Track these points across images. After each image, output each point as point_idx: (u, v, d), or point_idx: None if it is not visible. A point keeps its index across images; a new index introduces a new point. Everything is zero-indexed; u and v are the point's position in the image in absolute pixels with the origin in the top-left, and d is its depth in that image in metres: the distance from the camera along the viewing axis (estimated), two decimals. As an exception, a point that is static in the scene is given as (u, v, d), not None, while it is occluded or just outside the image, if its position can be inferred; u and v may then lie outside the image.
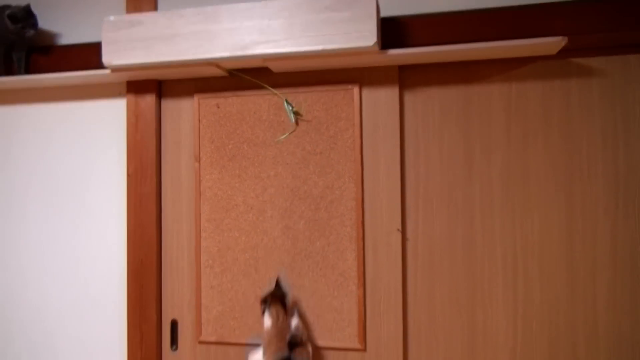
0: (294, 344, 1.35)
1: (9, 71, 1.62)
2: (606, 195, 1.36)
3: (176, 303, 1.58)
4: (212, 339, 1.54)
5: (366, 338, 1.45)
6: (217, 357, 1.54)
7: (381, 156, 1.45)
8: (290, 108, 1.47)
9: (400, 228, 1.43)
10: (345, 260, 1.46)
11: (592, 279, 1.36)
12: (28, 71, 1.64)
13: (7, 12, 1.52)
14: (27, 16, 1.55)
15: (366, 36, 1.27)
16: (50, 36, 1.67)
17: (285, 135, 1.47)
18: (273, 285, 1.43)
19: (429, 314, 1.44)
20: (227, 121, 1.54)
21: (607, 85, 1.36)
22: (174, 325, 1.58)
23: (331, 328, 1.47)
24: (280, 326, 1.36)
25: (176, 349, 1.58)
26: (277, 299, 1.40)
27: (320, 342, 1.47)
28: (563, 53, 1.36)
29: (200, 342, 1.55)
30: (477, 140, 1.42)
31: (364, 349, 1.45)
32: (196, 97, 1.55)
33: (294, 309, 1.46)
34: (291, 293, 1.47)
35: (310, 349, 1.41)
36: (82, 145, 1.66)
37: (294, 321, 1.40)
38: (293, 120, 1.47)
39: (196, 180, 1.55)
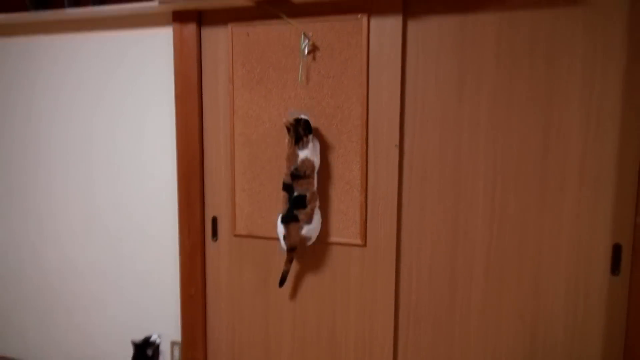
0: (296, 175, 1.65)
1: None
2: (580, 117, 1.50)
3: (216, 202, 1.92)
4: (244, 232, 1.88)
5: (367, 236, 1.73)
6: (248, 247, 1.89)
7: (384, 80, 1.65)
8: (306, 42, 1.67)
9: (398, 144, 1.66)
10: (351, 170, 1.72)
11: (560, 193, 1.54)
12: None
13: None
14: None
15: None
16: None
17: (301, 75, 1.69)
18: (295, 116, 1.67)
19: (420, 216, 1.69)
20: (256, 48, 1.78)
21: (590, 14, 1.46)
22: (214, 220, 1.93)
23: (338, 227, 1.76)
24: (288, 153, 1.67)
25: (216, 239, 1.94)
26: (296, 126, 1.65)
27: (329, 239, 1.77)
28: (553, -17, 1.47)
29: (235, 235, 1.90)
30: (469, 66, 1.59)
31: (365, 245, 1.74)
32: (230, 26, 1.80)
33: (309, 142, 1.66)
34: (310, 124, 1.67)
35: (313, 186, 1.67)
36: (137, 69, 1.97)
37: (303, 153, 1.65)
38: (306, 54, 1.67)
39: (230, 100, 1.83)
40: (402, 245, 1.72)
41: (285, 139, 1.69)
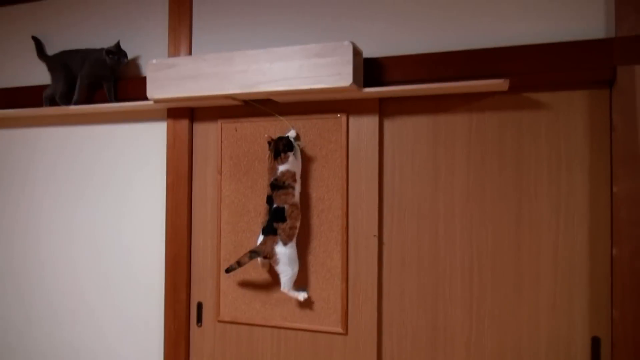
0: (276, 186, 1.69)
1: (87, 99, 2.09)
2: (549, 213, 1.58)
3: (202, 288, 1.96)
4: (228, 319, 1.90)
5: (348, 324, 1.75)
6: (232, 334, 1.90)
7: (363, 174, 1.75)
8: (297, 143, 1.78)
9: (377, 234, 1.72)
10: (332, 259, 1.77)
11: (535, 284, 1.59)
12: (117, 99, 2.06)
13: (105, 48, 1.97)
14: (119, 50, 2.00)
15: (345, 78, 1.57)
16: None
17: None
18: (284, 138, 1.72)
19: (400, 306, 1.72)
20: (243, 142, 1.90)
21: (553, 118, 1.58)
22: (199, 306, 1.96)
23: (320, 314, 1.78)
24: (269, 166, 1.73)
25: (201, 325, 1.96)
26: (277, 143, 1.71)
27: (311, 326, 1.79)
28: (515, 89, 1.60)
29: (219, 321, 1.92)
30: (442, 162, 1.69)
31: (346, 333, 1.75)
32: (219, 122, 1.93)
33: (288, 158, 1.70)
34: (297, 144, 1.75)
35: (293, 197, 1.70)
36: (133, 158, 2.09)
37: (283, 167, 1.69)
38: (299, 152, 1.77)
39: (218, 190, 1.92)
40: (384, 333, 1.74)
41: (266, 152, 1.75)
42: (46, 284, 2.21)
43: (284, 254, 1.70)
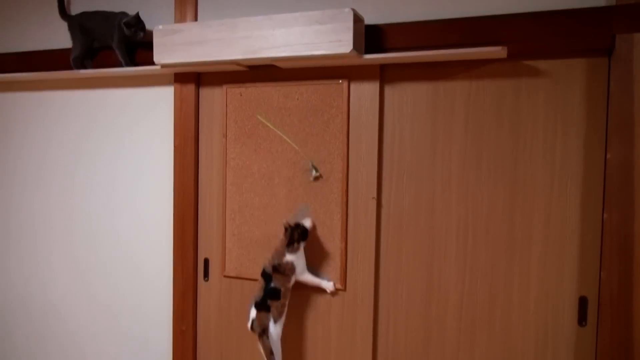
0: (276, 269, 1.78)
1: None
2: (544, 177, 1.63)
3: (208, 245, 2.06)
4: (233, 274, 2.01)
5: (346, 281, 1.85)
6: (236, 288, 2.02)
7: (363, 138, 1.80)
8: (314, 170, 1.84)
9: (375, 196, 1.79)
10: (332, 220, 1.85)
11: (527, 246, 1.66)
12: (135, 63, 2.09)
13: (123, 20, 1.96)
14: (138, 22, 1.98)
15: (345, 44, 1.60)
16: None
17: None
18: (298, 219, 1.80)
19: (397, 264, 1.80)
20: (247, 106, 1.95)
21: (551, 85, 1.61)
22: (206, 262, 2.07)
23: (320, 272, 1.88)
24: (277, 247, 1.80)
25: (207, 280, 2.07)
26: (293, 231, 1.78)
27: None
28: (514, 56, 1.62)
29: (225, 276, 2.03)
30: (441, 128, 1.73)
31: (344, 289, 1.85)
32: (224, 87, 1.97)
33: (299, 249, 1.78)
34: (307, 234, 1.81)
35: (289, 283, 1.79)
36: (142, 121, 2.15)
37: (290, 257, 1.78)
38: (312, 178, 1.84)
39: (223, 152, 1.99)
40: (380, 290, 1.83)
41: (281, 234, 1.81)
42: (64, 240, 2.34)
43: (276, 333, 1.79)
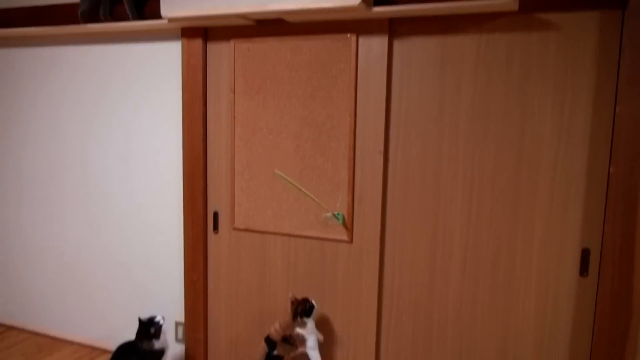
0: (287, 340, 1.87)
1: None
2: (551, 131, 1.63)
3: (217, 199, 2.10)
4: (242, 226, 2.06)
5: (353, 233, 1.89)
6: (245, 240, 2.07)
7: (371, 93, 1.80)
8: (341, 219, 1.88)
9: (382, 150, 1.81)
10: (340, 174, 1.88)
11: (532, 198, 1.68)
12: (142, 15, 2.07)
13: None
14: None
15: (353, -3, 1.59)
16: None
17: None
18: (308, 303, 1.86)
19: (402, 217, 1.84)
20: (255, 61, 1.95)
21: (562, 38, 1.59)
22: (215, 215, 2.11)
23: (327, 224, 1.92)
24: (286, 321, 1.87)
25: (217, 232, 2.12)
26: (297, 306, 1.85)
27: (319, 234, 1.94)
28: (525, 9, 1.59)
29: (234, 229, 2.08)
30: (449, 82, 1.73)
31: (351, 242, 1.90)
32: (232, 42, 1.97)
33: (306, 324, 1.85)
34: (316, 315, 1.89)
35: (293, 353, 1.87)
36: (150, 76, 2.16)
37: (300, 331, 1.85)
38: (341, 223, 1.88)
39: (231, 107, 2.00)
40: (386, 242, 1.88)
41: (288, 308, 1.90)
42: (77, 193, 2.39)
43: None
